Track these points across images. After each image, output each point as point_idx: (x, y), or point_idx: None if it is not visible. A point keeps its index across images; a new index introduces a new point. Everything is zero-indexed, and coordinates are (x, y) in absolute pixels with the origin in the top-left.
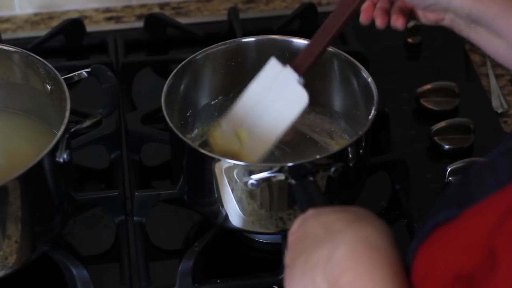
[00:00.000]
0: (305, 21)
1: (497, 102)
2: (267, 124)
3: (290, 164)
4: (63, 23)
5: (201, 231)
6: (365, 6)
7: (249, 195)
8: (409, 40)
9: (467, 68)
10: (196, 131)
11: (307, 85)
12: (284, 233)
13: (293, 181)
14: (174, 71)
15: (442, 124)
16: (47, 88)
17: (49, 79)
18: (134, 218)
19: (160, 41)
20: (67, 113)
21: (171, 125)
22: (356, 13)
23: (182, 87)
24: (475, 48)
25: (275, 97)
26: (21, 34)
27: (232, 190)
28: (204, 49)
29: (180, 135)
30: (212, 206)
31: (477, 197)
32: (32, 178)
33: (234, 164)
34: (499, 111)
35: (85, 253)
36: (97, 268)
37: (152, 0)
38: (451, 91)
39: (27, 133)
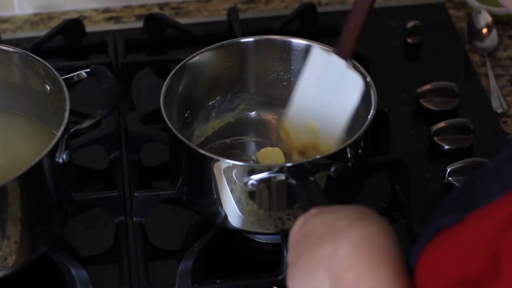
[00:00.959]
0: (305, 21)
1: (496, 102)
2: (332, 113)
3: (289, 164)
4: (63, 23)
5: (200, 231)
6: None
7: (248, 196)
8: (409, 40)
9: (466, 68)
10: (195, 131)
11: None
12: (283, 233)
13: (293, 181)
14: (173, 71)
15: (441, 124)
16: (47, 88)
17: (49, 80)
18: (134, 219)
19: (160, 41)
20: (67, 114)
21: (169, 125)
22: None
23: (181, 87)
24: (475, 48)
25: (331, 87)
26: (21, 34)
27: (231, 191)
28: (202, 49)
29: (179, 136)
30: (211, 207)
31: (481, 202)
32: (31, 179)
33: (233, 164)
34: (499, 111)
35: (84, 253)
36: (96, 269)
37: (151, 0)
38: (451, 91)
39: (27, 134)
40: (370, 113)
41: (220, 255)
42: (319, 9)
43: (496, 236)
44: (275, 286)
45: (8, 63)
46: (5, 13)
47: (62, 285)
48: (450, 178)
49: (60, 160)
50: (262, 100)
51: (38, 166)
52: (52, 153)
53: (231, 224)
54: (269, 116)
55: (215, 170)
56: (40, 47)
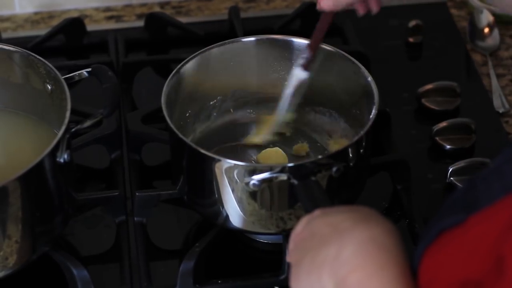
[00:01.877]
0: (306, 20)
1: (498, 102)
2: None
3: (291, 164)
4: (64, 22)
5: (202, 231)
6: None
7: (249, 195)
8: (411, 39)
9: (468, 68)
10: (196, 131)
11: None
12: (285, 233)
13: (295, 182)
14: (174, 71)
15: (443, 124)
16: (48, 88)
17: (50, 79)
18: (135, 218)
19: (161, 40)
20: (68, 113)
21: (171, 125)
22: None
23: (182, 87)
24: (477, 48)
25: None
26: (21, 33)
27: (233, 190)
28: (203, 49)
29: (180, 135)
30: (213, 207)
31: (483, 203)
32: (32, 179)
33: (235, 164)
34: (501, 111)
35: (85, 253)
36: (97, 269)
37: None
38: (453, 91)
39: (28, 133)
40: (372, 113)
41: (222, 255)
42: None
43: (499, 237)
44: (276, 286)
45: (9, 63)
46: (6, 12)
47: (63, 285)
48: (452, 178)
49: (61, 160)
50: (263, 100)
51: (39, 165)
52: (53, 152)
53: (232, 224)
54: (270, 115)
55: (217, 170)
56: (41, 46)
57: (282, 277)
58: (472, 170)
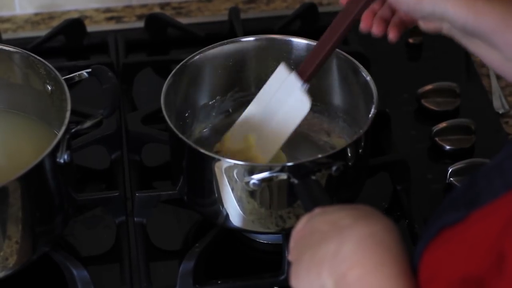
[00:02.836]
0: (306, 21)
1: (498, 103)
2: (274, 128)
3: (291, 164)
4: (64, 23)
5: (201, 231)
6: (365, 14)
7: (249, 194)
8: (410, 40)
9: (468, 69)
10: (196, 131)
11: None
12: (284, 232)
13: (295, 181)
14: (173, 71)
15: (443, 124)
16: (48, 88)
17: (50, 80)
18: (135, 219)
19: (161, 41)
20: (68, 114)
21: (170, 125)
22: (358, 20)
23: (181, 87)
24: None
25: (281, 103)
26: (22, 34)
27: (232, 190)
28: (203, 49)
29: (180, 135)
30: (212, 206)
31: (484, 199)
32: (32, 179)
33: (234, 164)
34: (500, 111)
35: (85, 253)
36: (97, 269)
37: (152, 0)
38: (452, 92)
39: (28, 134)
40: (371, 113)
41: (222, 255)
42: (320, 9)
43: (500, 234)
44: (276, 286)
45: (9, 63)
46: (6, 13)
47: (63, 285)
48: (451, 179)
49: (61, 160)
50: None
51: (39, 166)
52: (53, 153)
53: (232, 223)
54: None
55: (216, 170)
56: (41, 47)
57: (282, 277)
58: (472, 170)
